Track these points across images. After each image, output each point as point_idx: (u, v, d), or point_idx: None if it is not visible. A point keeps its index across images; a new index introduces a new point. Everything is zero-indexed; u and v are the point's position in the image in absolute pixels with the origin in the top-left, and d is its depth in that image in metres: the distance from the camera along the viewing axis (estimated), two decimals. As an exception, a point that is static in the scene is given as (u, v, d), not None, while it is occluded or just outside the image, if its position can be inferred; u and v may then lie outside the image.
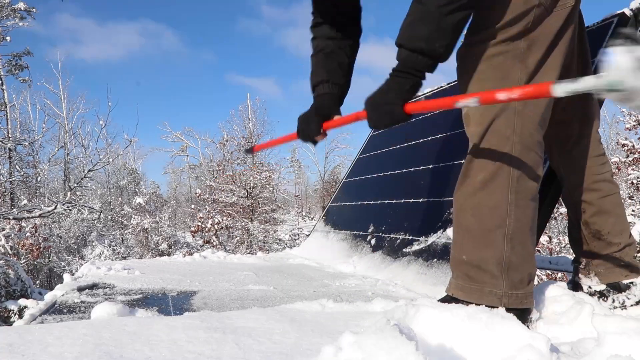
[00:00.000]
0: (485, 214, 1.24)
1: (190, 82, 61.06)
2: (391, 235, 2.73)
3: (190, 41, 60.58)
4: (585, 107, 1.52)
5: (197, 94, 60.72)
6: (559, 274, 8.05)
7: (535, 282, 1.33)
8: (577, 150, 1.53)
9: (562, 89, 0.94)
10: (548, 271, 8.03)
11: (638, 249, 1.60)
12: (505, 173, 1.23)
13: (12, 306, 6.38)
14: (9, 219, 10.35)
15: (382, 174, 3.46)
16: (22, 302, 6.03)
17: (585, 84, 0.91)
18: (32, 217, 10.63)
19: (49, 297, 1.80)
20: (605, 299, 1.50)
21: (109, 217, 20.51)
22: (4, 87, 20.14)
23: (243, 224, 16.62)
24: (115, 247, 17.90)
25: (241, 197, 17.37)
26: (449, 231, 2.21)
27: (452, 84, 3.25)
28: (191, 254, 3.54)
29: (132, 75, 56.27)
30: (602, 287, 1.51)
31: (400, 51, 1.20)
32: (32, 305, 1.70)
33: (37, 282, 14.05)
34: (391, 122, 1.23)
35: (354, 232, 3.21)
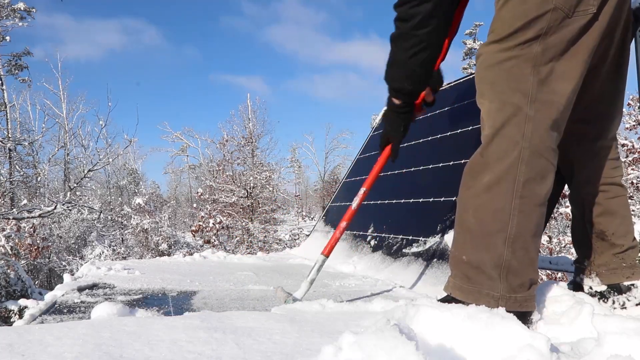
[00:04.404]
0: (488, 216, 1.24)
1: (178, 82, 61.30)
2: (391, 236, 2.73)
3: (172, 39, 60.84)
4: (607, 109, 1.51)
5: (184, 92, 61.05)
6: (559, 274, 8.05)
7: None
8: (591, 150, 1.52)
9: None
10: (548, 271, 8.03)
11: None
12: (511, 177, 1.22)
13: (12, 306, 6.38)
14: (8, 219, 10.35)
15: (382, 174, 3.45)
16: (22, 302, 6.03)
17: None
18: (32, 217, 10.63)
19: (49, 297, 1.80)
20: (605, 300, 1.50)
21: (109, 217, 20.50)
22: (4, 87, 20.15)
23: (243, 224, 16.63)
24: (115, 247, 17.89)
25: (241, 197, 17.37)
26: (449, 232, 2.21)
27: (452, 84, 3.25)
28: (191, 254, 3.54)
29: (119, 74, 56.25)
30: (603, 288, 1.51)
31: (387, 87, 1.56)
32: (32, 305, 1.69)
33: (37, 282, 14.05)
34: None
35: (354, 232, 3.21)
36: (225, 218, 16.57)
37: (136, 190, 25.59)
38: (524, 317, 1.22)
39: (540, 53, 1.22)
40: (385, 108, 1.63)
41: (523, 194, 1.21)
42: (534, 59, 1.23)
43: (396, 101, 1.55)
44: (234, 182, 17.67)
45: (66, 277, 2.27)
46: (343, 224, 1.70)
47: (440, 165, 2.69)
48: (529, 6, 1.22)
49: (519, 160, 1.21)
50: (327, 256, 1.68)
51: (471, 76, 3.02)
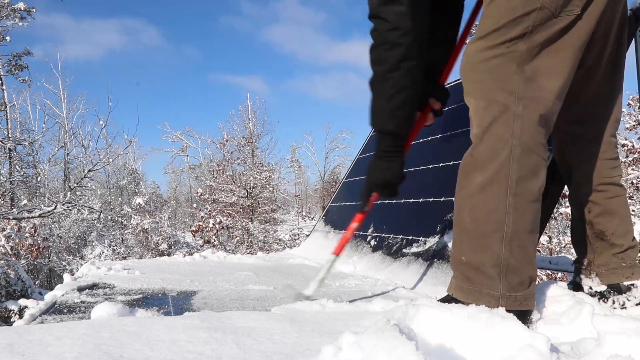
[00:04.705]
0: (483, 217, 1.24)
1: (178, 82, 61.36)
2: (391, 236, 2.73)
3: (172, 39, 60.86)
4: (604, 110, 1.50)
5: (183, 92, 61.18)
6: (559, 274, 8.05)
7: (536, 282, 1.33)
8: (589, 150, 1.52)
9: None
10: (548, 271, 8.03)
11: None
12: (503, 176, 1.22)
13: (12, 306, 6.38)
14: (9, 218, 10.35)
15: (382, 174, 3.45)
16: (22, 302, 6.04)
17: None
18: (32, 217, 10.63)
19: (49, 297, 1.80)
20: (605, 300, 1.49)
21: (109, 217, 20.51)
22: (4, 87, 20.15)
23: (243, 224, 16.63)
24: (115, 247, 17.90)
25: (241, 197, 17.38)
26: (449, 232, 2.21)
27: (452, 84, 3.25)
28: (191, 254, 3.54)
29: (119, 74, 56.16)
30: (603, 288, 1.50)
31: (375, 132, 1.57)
32: (32, 305, 1.70)
33: (37, 282, 14.05)
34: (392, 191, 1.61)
35: (354, 232, 3.21)
36: (225, 218, 16.58)
37: (136, 190, 25.62)
38: (524, 316, 1.22)
39: (525, 51, 1.23)
40: (375, 154, 1.60)
41: (517, 192, 1.21)
42: (519, 58, 1.23)
43: (388, 143, 1.54)
44: (234, 182, 17.68)
45: (66, 277, 2.27)
46: (354, 224, 1.74)
47: (440, 165, 2.69)
48: (515, 4, 1.22)
49: (510, 158, 1.21)
50: (337, 255, 1.72)
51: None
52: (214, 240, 15.74)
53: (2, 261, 6.86)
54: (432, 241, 2.30)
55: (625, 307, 1.46)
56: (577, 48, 1.27)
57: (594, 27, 1.27)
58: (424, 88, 1.67)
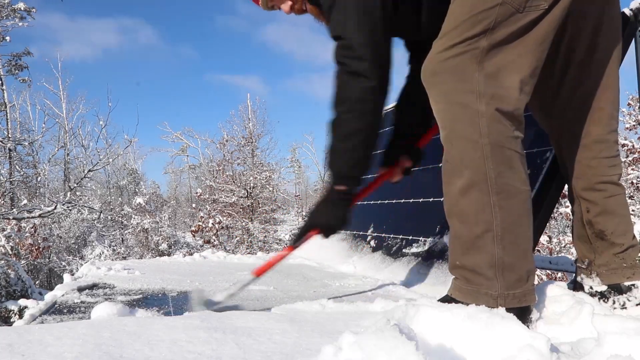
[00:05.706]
0: (471, 220, 1.23)
1: (177, 82, 61.33)
2: (391, 236, 2.73)
3: (169, 39, 60.77)
4: (600, 107, 1.49)
5: (183, 92, 61.18)
6: (559, 274, 8.06)
7: (535, 282, 1.32)
8: (585, 149, 1.51)
9: None
10: (548, 271, 8.04)
11: None
12: (481, 176, 1.21)
13: (12, 306, 6.39)
14: (9, 219, 10.36)
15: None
16: (22, 302, 6.04)
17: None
18: (32, 217, 10.64)
19: (49, 297, 1.81)
20: (606, 300, 1.49)
21: (109, 217, 20.51)
22: (4, 87, 20.14)
23: (243, 224, 16.64)
24: (115, 247, 17.91)
25: (241, 197, 17.38)
26: (449, 232, 2.21)
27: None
28: (191, 254, 3.54)
29: (116, 74, 55.92)
30: (604, 288, 1.50)
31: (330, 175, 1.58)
32: (32, 305, 1.70)
33: (37, 282, 14.06)
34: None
35: (354, 232, 3.21)
36: (225, 218, 16.59)
37: (136, 190, 25.62)
38: (525, 314, 1.22)
39: (486, 48, 1.21)
40: (324, 196, 1.60)
41: (498, 190, 1.21)
42: (480, 55, 1.21)
43: (340, 187, 1.56)
44: (234, 182, 17.68)
45: (66, 277, 2.27)
46: (284, 253, 1.73)
47: (440, 165, 2.69)
48: (473, 3, 1.20)
49: (483, 158, 1.21)
50: (257, 277, 1.70)
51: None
52: (214, 240, 15.75)
53: (2, 261, 6.87)
54: (431, 241, 2.30)
55: (625, 307, 1.46)
56: (542, 41, 1.24)
57: (561, 20, 1.25)
58: (397, 145, 1.84)
